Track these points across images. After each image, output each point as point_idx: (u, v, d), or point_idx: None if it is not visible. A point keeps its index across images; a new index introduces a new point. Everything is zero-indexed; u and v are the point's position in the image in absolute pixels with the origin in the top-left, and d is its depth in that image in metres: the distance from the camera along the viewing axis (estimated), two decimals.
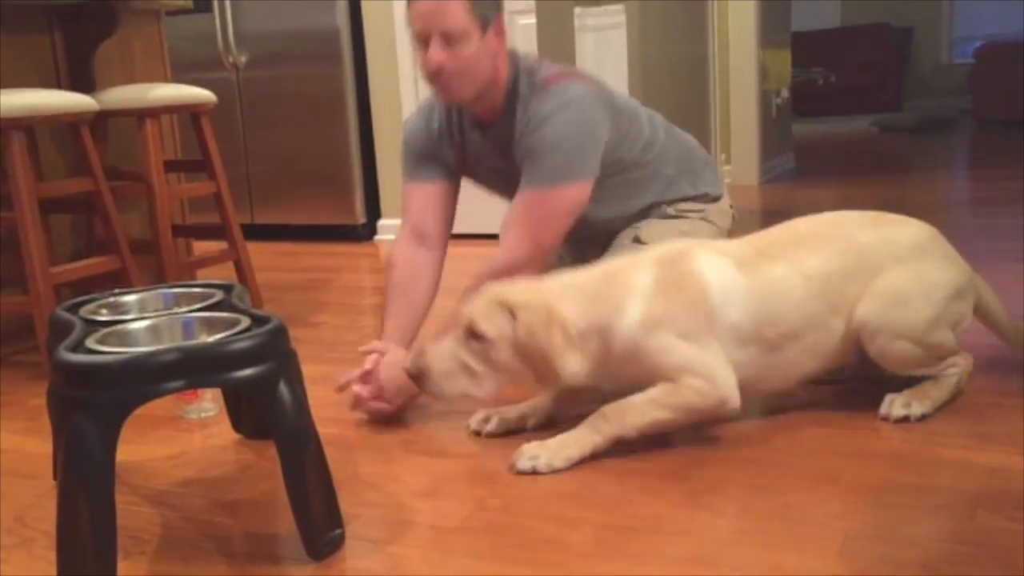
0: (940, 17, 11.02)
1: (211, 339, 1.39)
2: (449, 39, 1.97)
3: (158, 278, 2.79)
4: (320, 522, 1.40)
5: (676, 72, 4.71)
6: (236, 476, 1.76)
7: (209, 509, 1.61)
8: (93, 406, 1.27)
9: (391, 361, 1.95)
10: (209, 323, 1.52)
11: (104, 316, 1.59)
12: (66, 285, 2.61)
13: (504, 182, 2.18)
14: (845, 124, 9.57)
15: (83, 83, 2.88)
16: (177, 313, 1.59)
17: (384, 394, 1.97)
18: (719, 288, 1.72)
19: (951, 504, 1.45)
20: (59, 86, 2.86)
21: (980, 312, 1.92)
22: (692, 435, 1.78)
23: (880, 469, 1.59)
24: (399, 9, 4.17)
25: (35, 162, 2.63)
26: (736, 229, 2.31)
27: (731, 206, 2.41)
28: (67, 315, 1.57)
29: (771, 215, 1.93)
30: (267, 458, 1.81)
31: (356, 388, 1.98)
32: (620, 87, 3.65)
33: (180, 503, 1.64)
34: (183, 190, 3.13)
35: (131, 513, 1.60)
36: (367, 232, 4.49)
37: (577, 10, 3.98)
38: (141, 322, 1.54)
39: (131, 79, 3.06)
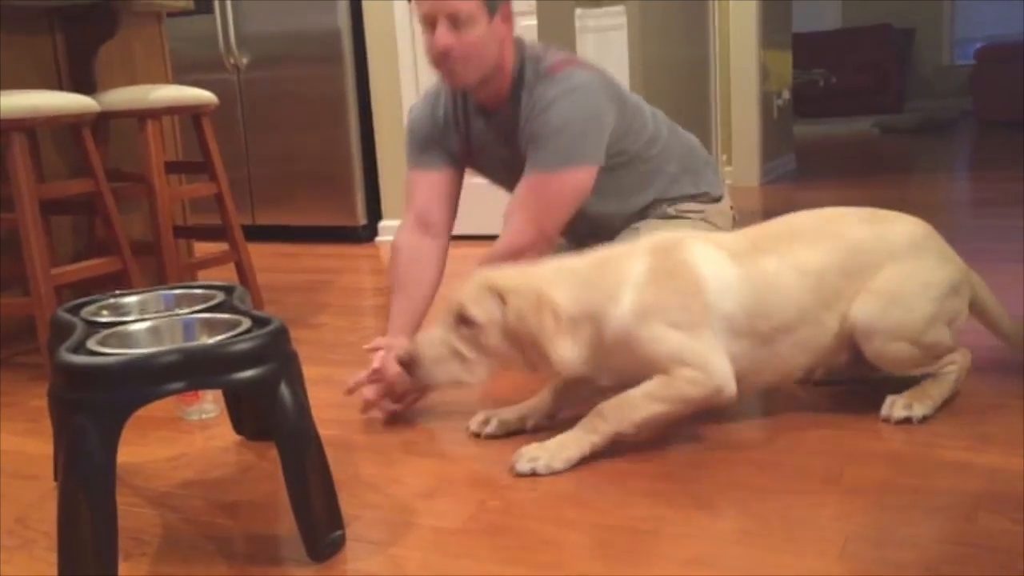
0: (941, 18, 11.01)
1: (212, 340, 1.39)
2: (456, 22, 1.97)
3: (159, 279, 2.80)
4: (321, 523, 1.41)
5: (677, 73, 4.71)
6: (237, 477, 1.76)
7: (210, 510, 1.61)
8: (94, 407, 1.27)
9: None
10: (210, 324, 1.52)
11: (105, 317, 1.60)
12: (67, 286, 2.61)
13: (508, 171, 2.18)
14: (846, 125, 9.56)
15: (84, 84, 2.88)
16: (178, 314, 1.60)
17: (393, 392, 1.97)
18: (712, 278, 1.71)
19: (952, 505, 1.45)
20: (60, 87, 2.86)
21: (976, 309, 1.92)
22: (692, 436, 1.78)
23: (880, 470, 1.59)
24: (400, 10, 4.18)
25: (36, 163, 2.63)
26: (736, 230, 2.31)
27: (731, 207, 2.41)
28: (68, 316, 1.58)
29: (772, 216, 1.92)
30: (268, 459, 1.82)
31: (366, 392, 1.98)
32: None
33: (181, 504, 1.64)
34: (184, 191, 3.13)
35: (132, 514, 1.60)
36: (368, 233, 4.49)
37: (578, 11, 3.97)
38: (142, 323, 1.54)
39: (132, 80, 3.06)
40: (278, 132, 4.47)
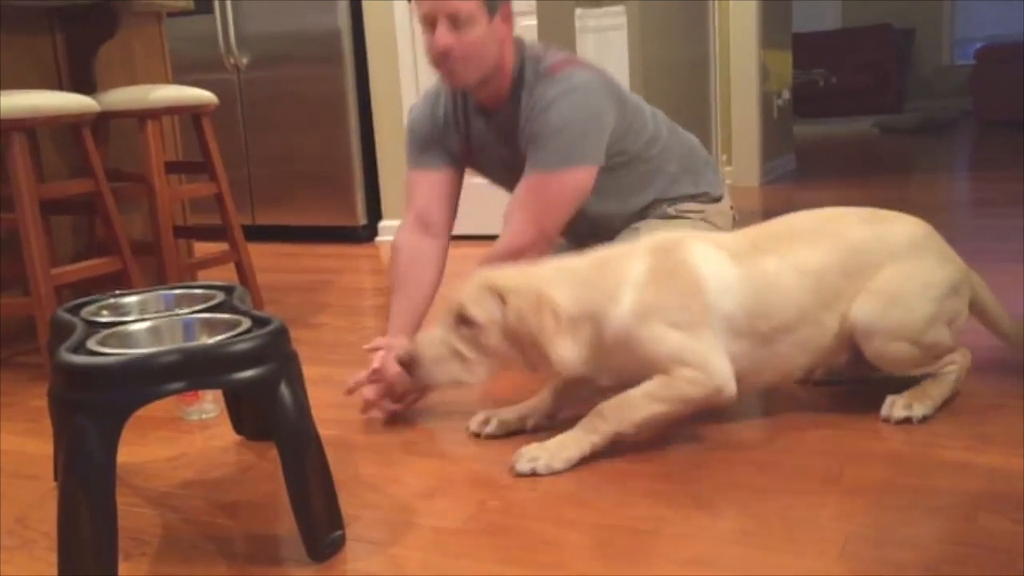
0: (941, 18, 11.01)
1: (212, 340, 1.39)
2: (456, 22, 1.97)
3: (159, 279, 2.80)
4: (321, 523, 1.41)
5: (677, 73, 4.71)
6: (237, 477, 1.76)
7: (210, 510, 1.61)
8: (94, 407, 1.27)
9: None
10: (210, 324, 1.52)
11: (105, 317, 1.60)
12: (67, 286, 2.61)
13: (508, 171, 2.18)
14: (846, 125, 9.57)
15: (84, 84, 2.88)
16: (178, 314, 1.60)
17: (394, 392, 1.97)
18: (712, 278, 1.71)
19: (952, 505, 1.45)
20: (60, 87, 2.86)
21: (976, 309, 1.92)
22: (692, 436, 1.78)
23: (880, 470, 1.59)
24: (400, 10, 4.18)
25: (36, 163, 2.63)
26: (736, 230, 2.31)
27: (731, 207, 2.41)
28: (68, 316, 1.58)
29: (772, 216, 1.92)
30: (268, 459, 1.82)
31: (366, 392, 1.98)
32: None
33: (181, 504, 1.64)
34: (184, 191, 3.13)
35: (132, 514, 1.60)
36: (368, 233, 4.49)
37: (578, 11, 3.97)
38: (142, 323, 1.54)
39: (132, 80, 3.06)
40: (278, 132, 4.47)
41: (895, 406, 1.79)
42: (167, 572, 1.41)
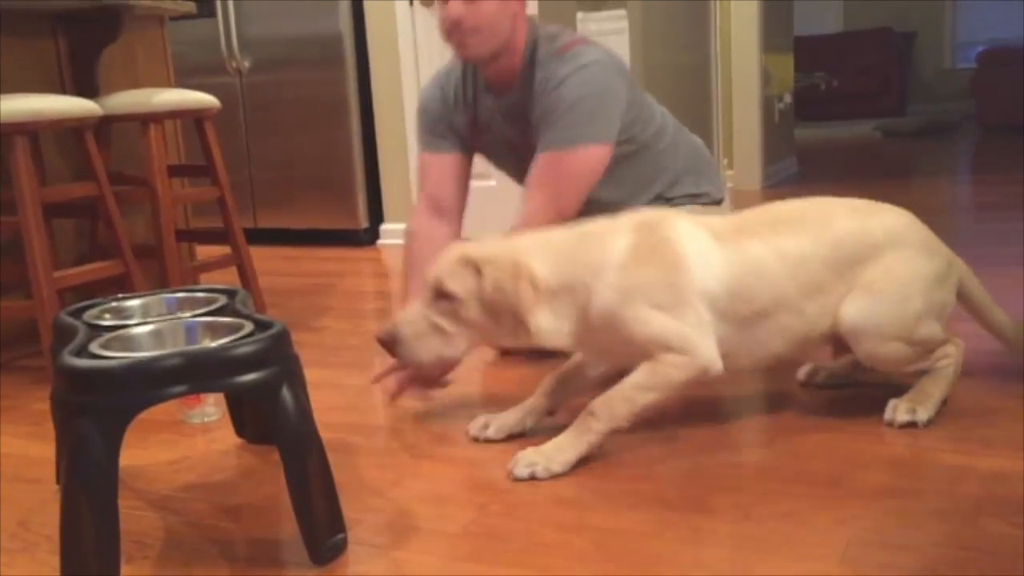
0: (943, 21, 11.02)
1: (214, 344, 1.40)
2: None
3: (161, 283, 2.80)
4: (323, 527, 1.41)
5: (679, 77, 4.71)
6: (239, 481, 1.76)
7: (212, 514, 1.62)
8: (97, 411, 1.27)
9: None
10: (212, 328, 1.52)
11: (108, 321, 1.60)
12: (69, 290, 2.61)
13: (513, 153, 2.18)
14: (848, 129, 9.57)
15: (87, 88, 2.89)
16: (180, 318, 1.60)
17: (421, 378, 1.95)
18: (695, 256, 1.70)
19: (953, 509, 1.45)
20: (63, 91, 2.86)
21: (963, 297, 1.89)
22: (693, 439, 1.78)
23: (881, 474, 1.59)
24: (402, 13, 4.18)
25: (39, 167, 2.63)
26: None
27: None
28: (70, 320, 1.58)
29: None
30: (270, 463, 1.82)
31: (389, 381, 1.98)
32: None
33: (183, 507, 1.65)
34: (186, 195, 3.14)
35: (134, 517, 1.61)
36: (370, 237, 4.49)
37: (580, 15, 3.98)
38: (144, 327, 1.54)
39: (135, 84, 3.07)
40: (280, 135, 4.48)
41: (898, 410, 1.78)
42: (169, 575, 1.41)
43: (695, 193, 2.29)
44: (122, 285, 2.60)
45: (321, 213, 4.48)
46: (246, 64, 4.45)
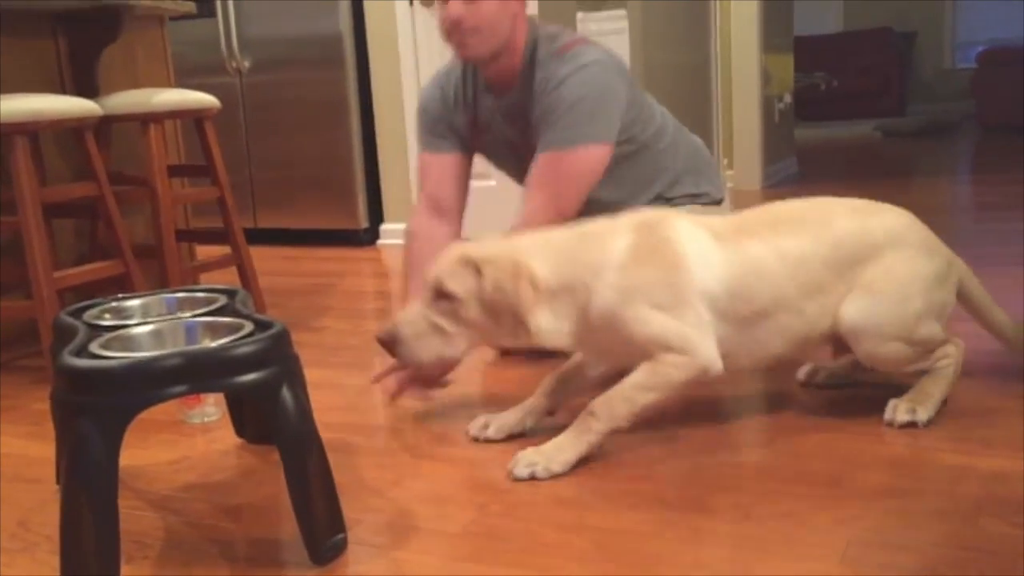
0: (943, 21, 11.02)
1: (214, 344, 1.40)
2: None
3: (161, 283, 2.80)
4: (323, 527, 1.41)
5: (678, 77, 4.71)
6: (239, 481, 1.76)
7: (212, 514, 1.62)
8: (97, 411, 1.27)
9: None
10: (212, 328, 1.52)
11: (108, 321, 1.60)
12: (69, 290, 2.61)
13: (513, 153, 2.18)
14: (848, 129, 9.57)
15: (87, 88, 2.89)
16: (180, 318, 1.60)
17: (421, 377, 1.95)
18: (695, 256, 1.70)
19: (953, 509, 1.45)
20: (63, 91, 2.86)
21: (963, 297, 1.89)
22: (692, 440, 1.78)
23: (881, 474, 1.59)
24: (402, 13, 4.18)
25: (39, 167, 2.63)
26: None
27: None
28: (70, 320, 1.58)
29: None
30: (270, 463, 1.82)
31: (389, 381, 1.98)
32: None
33: (183, 507, 1.65)
34: (186, 195, 3.14)
35: (134, 517, 1.61)
36: (370, 237, 4.49)
37: (580, 15, 3.99)
38: (144, 327, 1.54)
39: (135, 84, 3.07)
40: (280, 135, 4.48)
41: (898, 410, 1.78)
42: (169, 575, 1.41)
43: (695, 193, 2.29)
44: (122, 285, 2.60)
45: (321, 213, 4.48)
46: (246, 64, 4.45)
